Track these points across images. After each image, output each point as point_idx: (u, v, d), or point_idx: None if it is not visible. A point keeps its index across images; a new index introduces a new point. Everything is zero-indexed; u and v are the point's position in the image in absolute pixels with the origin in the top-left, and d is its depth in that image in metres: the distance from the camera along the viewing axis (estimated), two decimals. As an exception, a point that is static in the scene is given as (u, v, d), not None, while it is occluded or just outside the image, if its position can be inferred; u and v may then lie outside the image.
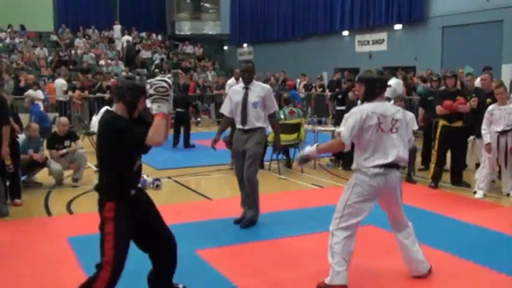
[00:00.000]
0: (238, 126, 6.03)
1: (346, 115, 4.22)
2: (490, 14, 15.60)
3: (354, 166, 4.22)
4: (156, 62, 23.74)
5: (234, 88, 6.32)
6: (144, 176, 7.99)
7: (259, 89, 6.05)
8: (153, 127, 3.37)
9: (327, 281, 4.18)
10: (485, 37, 15.89)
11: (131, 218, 3.61)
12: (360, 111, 4.11)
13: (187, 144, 12.36)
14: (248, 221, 5.96)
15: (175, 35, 30.86)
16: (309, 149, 4.31)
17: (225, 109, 6.23)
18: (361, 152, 4.13)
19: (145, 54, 25.07)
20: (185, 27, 31.40)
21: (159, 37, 28.93)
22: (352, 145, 4.15)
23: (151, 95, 3.42)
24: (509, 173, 7.52)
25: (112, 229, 3.51)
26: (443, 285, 4.30)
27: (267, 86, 6.33)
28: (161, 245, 3.81)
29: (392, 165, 4.12)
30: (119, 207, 3.54)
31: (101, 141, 3.58)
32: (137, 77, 3.77)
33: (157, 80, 3.45)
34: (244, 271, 4.60)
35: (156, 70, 22.18)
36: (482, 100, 7.88)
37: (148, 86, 3.45)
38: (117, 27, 26.68)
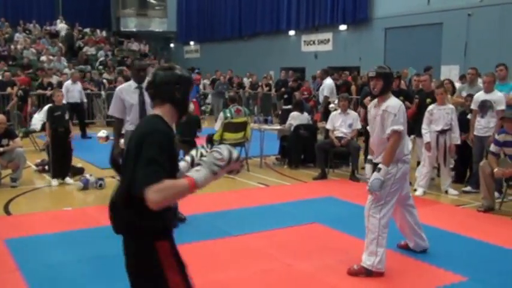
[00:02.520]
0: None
1: (391, 111, 4.45)
2: (431, 17, 16.10)
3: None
4: (101, 59, 23.24)
5: (123, 88, 5.82)
6: (87, 176, 7.82)
7: None
8: (173, 185, 2.31)
9: (369, 264, 4.43)
10: (426, 39, 16.39)
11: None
12: (401, 104, 4.53)
13: None
14: None
15: (121, 31, 30.30)
16: (378, 174, 4.38)
17: (115, 111, 5.74)
18: (401, 142, 4.49)
19: (89, 50, 24.48)
20: (131, 24, 30.88)
21: (104, 33, 28.32)
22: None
23: (202, 156, 2.49)
24: (447, 171, 7.79)
25: (181, 281, 2.52)
26: (383, 281, 4.39)
27: None
28: None
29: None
30: (173, 247, 2.53)
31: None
32: (177, 66, 2.67)
33: (218, 147, 2.45)
34: (189, 271, 4.55)
35: (101, 67, 21.73)
36: (422, 100, 8.11)
37: (202, 149, 2.57)
38: (60, 22, 25.95)
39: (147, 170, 2.30)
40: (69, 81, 13.92)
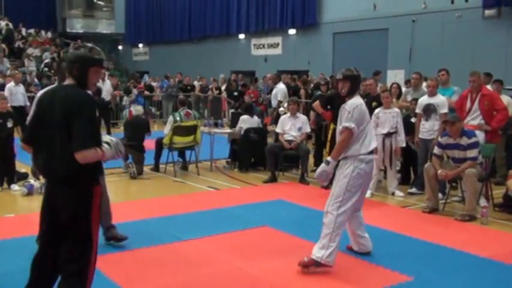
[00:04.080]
0: None
1: (347, 109, 4.56)
2: (377, 22, 16.49)
3: (349, 153, 4.57)
4: (46, 60, 22.59)
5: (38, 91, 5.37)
6: (31, 181, 7.58)
7: None
8: (95, 152, 3.02)
9: (318, 256, 4.48)
10: (373, 44, 16.77)
11: None
12: (360, 104, 4.61)
13: None
14: None
15: (67, 32, 29.60)
16: (325, 166, 4.53)
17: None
18: (358, 141, 4.57)
19: (34, 52, 23.73)
20: (77, 25, 30.24)
21: (49, 34, 27.56)
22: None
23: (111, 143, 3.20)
24: (393, 174, 7.98)
25: (98, 217, 3.19)
26: (330, 282, 4.45)
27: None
28: None
29: (373, 151, 4.72)
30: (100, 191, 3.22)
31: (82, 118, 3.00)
32: (88, 45, 3.21)
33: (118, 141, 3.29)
34: (138, 277, 4.49)
35: (46, 69, 21.13)
36: (368, 104, 8.27)
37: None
38: (3, 23, 25.08)
39: (86, 135, 2.96)
40: (11, 83, 13.35)
